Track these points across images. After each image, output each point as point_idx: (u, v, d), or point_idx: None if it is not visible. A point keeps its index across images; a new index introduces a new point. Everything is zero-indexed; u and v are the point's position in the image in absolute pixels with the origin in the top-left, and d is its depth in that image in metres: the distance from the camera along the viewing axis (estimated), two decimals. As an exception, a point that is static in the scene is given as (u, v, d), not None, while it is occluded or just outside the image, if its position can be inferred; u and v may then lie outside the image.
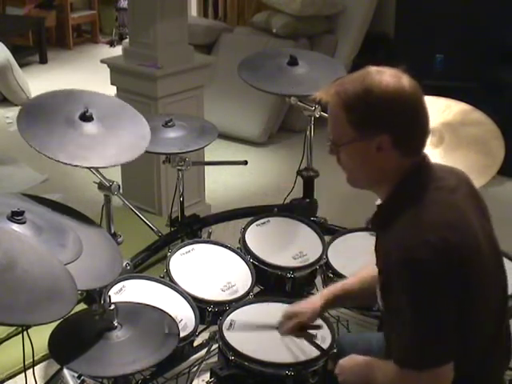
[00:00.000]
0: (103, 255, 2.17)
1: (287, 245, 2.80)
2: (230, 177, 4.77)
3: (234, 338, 2.19)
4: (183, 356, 2.39)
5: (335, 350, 2.15)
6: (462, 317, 1.70)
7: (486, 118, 2.68)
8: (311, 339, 2.15)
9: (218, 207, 4.02)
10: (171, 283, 2.50)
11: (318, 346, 2.14)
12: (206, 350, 2.47)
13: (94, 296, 2.34)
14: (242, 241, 2.76)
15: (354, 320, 2.76)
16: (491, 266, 1.78)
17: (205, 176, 4.21)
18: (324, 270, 2.70)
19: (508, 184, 4.59)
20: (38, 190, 4.15)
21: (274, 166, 5.03)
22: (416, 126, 1.74)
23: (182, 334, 2.22)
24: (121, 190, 2.60)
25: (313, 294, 2.81)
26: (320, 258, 2.71)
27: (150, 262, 3.01)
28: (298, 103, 3.05)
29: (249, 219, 2.89)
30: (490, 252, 1.77)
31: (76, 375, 2.30)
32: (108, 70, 4.04)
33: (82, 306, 2.37)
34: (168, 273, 2.54)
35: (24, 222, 1.98)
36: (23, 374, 2.08)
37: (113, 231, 2.63)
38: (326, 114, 2.90)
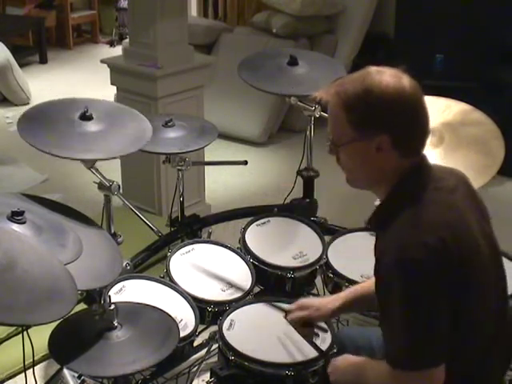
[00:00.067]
0: (103, 255, 2.18)
1: (287, 245, 2.80)
2: (230, 177, 4.77)
3: (234, 338, 2.19)
4: (183, 356, 2.38)
5: (335, 351, 2.15)
6: (461, 317, 1.70)
7: (486, 118, 2.68)
8: (311, 338, 2.15)
9: (217, 207, 4.02)
10: (171, 283, 2.50)
11: (316, 347, 2.13)
12: (206, 350, 2.46)
13: (94, 296, 2.34)
14: (242, 241, 2.76)
15: (353, 320, 2.75)
16: (491, 266, 1.78)
17: (205, 176, 4.21)
18: (324, 270, 2.70)
19: (508, 184, 4.59)
20: (38, 190, 4.15)
21: (274, 166, 5.03)
22: (416, 127, 1.74)
23: (182, 334, 2.22)
24: (121, 190, 2.60)
25: (313, 294, 2.82)
26: (320, 258, 2.71)
27: (150, 261, 3.01)
28: (298, 103, 3.05)
29: (249, 219, 2.89)
30: (489, 252, 1.78)
31: (76, 375, 2.30)
32: (108, 69, 4.04)
33: (82, 306, 2.37)
34: (168, 273, 2.54)
35: (24, 222, 1.98)
36: (23, 374, 2.08)
37: (113, 231, 2.63)
38: (325, 114, 2.90)
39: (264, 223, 2.89)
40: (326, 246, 2.77)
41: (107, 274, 2.10)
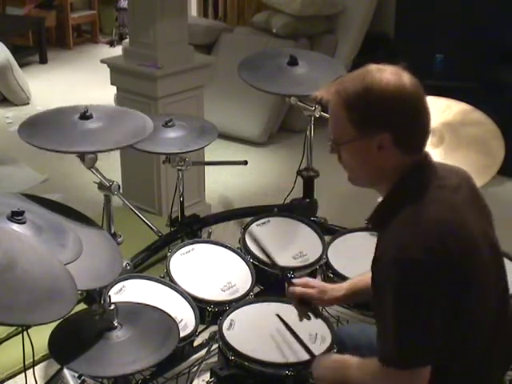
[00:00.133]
0: (103, 255, 2.18)
1: (287, 245, 2.80)
2: (230, 177, 4.77)
3: (234, 338, 2.19)
4: (183, 356, 2.39)
5: (335, 350, 2.15)
6: (461, 317, 1.70)
7: (486, 118, 2.69)
8: (302, 317, 2.14)
9: (218, 207, 4.02)
10: (171, 283, 2.50)
11: (306, 347, 2.13)
12: (206, 350, 2.47)
13: (94, 296, 2.34)
14: (242, 241, 2.76)
15: (353, 320, 2.75)
16: (491, 266, 1.78)
17: (205, 176, 4.21)
18: (324, 270, 2.70)
19: (508, 184, 4.59)
20: (38, 190, 4.15)
21: (274, 166, 5.03)
22: (417, 124, 1.74)
23: (182, 334, 2.22)
24: (121, 190, 2.60)
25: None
26: (320, 258, 2.71)
27: (150, 261, 3.01)
28: (298, 103, 3.05)
29: (249, 219, 2.89)
30: (489, 252, 1.77)
31: (76, 375, 2.30)
32: (108, 69, 4.04)
33: (82, 306, 2.37)
34: (168, 273, 2.54)
35: (24, 222, 1.98)
36: (23, 374, 2.08)
37: (113, 231, 2.63)
38: (326, 114, 2.91)
39: (264, 223, 2.89)
40: (325, 246, 2.77)
41: (107, 274, 2.10)
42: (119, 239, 2.61)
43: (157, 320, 2.20)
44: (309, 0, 5.32)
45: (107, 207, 2.61)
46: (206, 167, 4.20)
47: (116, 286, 2.43)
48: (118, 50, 6.72)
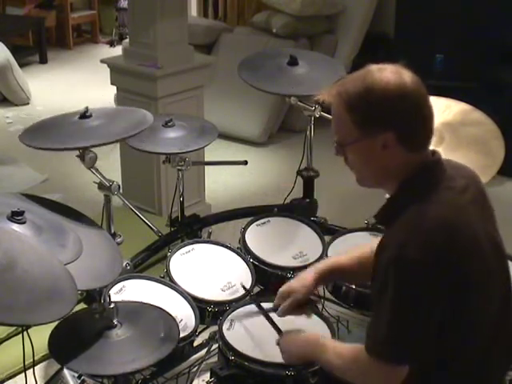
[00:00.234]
0: (103, 255, 2.17)
1: (287, 245, 2.80)
2: (230, 177, 4.77)
3: (233, 338, 2.19)
4: (183, 356, 2.38)
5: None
6: (461, 317, 1.70)
7: (486, 118, 2.69)
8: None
9: (218, 207, 4.02)
10: (171, 283, 2.50)
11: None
12: (206, 350, 2.46)
13: (94, 296, 2.34)
14: (242, 241, 2.76)
15: (354, 320, 2.76)
16: (494, 267, 1.78)
17: (205, 176, 4.21)
18: (324, 270, 2.70)
19: (508, 184, 4.59)
20: (38, 190, 4.15)
21: (274, 166, 5.03)
22: (420, 121, 1.74)
23: (182, 334, 2.22)
24: (121, 190, 2.60)
25: (313, 294, 2.81)
26: (320, 258, 2.71)
27: (150, 261, 3.01)
28: (298, 103, 3.05)
29: (249, 219, 2.89)
30: (492, 253, 1.77)
31: (76, 375, 2.30)
32: (108, 69, 4.04)
33: (82, 306, 2.37)
34: (168, 273, 2.54)
35: (24, 222, 1.98)
36: (23, 374, 2.08)
37: (113, 231, 2.63)
38: (326, 114, 2.91)
39: (264, 223, 2.89)
40: (325, 246, 2.76)
41: (107, 274, 2.10)
42: (119, 239, 2.61)
43: (157, 319, 2.20)
44: (309, 0, 5.32)
45: (107, 207, 2.61)
46: (206, 167, 4.20)
47: (116, 285, 2.43)
48: (118, 50, 6.72)
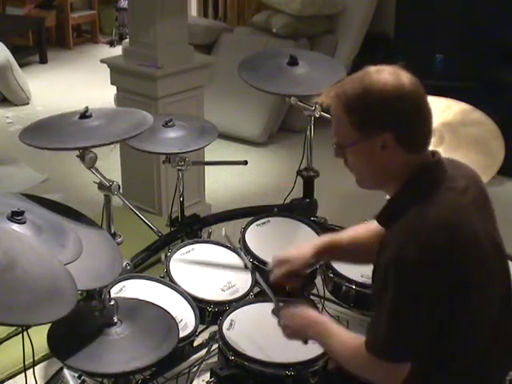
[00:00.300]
0: (103, 255, 2.17)
1: (287, 245, 2.79)
2: (230, 177, 4.77)
3: (233, 338, 2.19)
4: (183, 356, 2.39)
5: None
6: (461, 317, 1.71)
7: (486, 118, 2.69)
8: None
9: (218, 207, 4.02)
10: (171, 283, 2.51)
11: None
12: (206, 350, 2.46)
13: (94, 296, 2.34)
14: (242, 241, 2.76)
15: (354, 320, 2.76)
16: (494, 267, 1.78)
17: (205, 176, 4.21)
18: (324, 270, 2.70)
19: (508, 184, 4.59)
20: (38, 190, 4.15)
21: (274, 166, 5.03)
22: (418, 122, 1.74)
23: (181, 334, 2.22)
24: (121, 190, 2.60)
25: (313, 294, 2.82)
26: (320, 258, 2.71)
27: (150, 261, 3.01)
28: (298, 103, 3.05)
29: (249, 219, 2.90)
30: (493, 254, 1.77)
31: (76, 375, 2.30)
32: (108, 69, 4.05)
33: (82, 306, 2.37)
34: (168, 273, 2.54)
35: (24, 222, 1.98)
36: (23, 374, 2.08)
37: (113, 231, 2.63)
38: (326, 114, 2.91)
39: (264, 223, 2.89)
40: (326, 246, 2.76)
41: (107, 274, 2.10)
42: (119, 239, 2.61)
43: (157, 317, 2.20)
44: (309, 0, 5.32)
45: (107, 207, 2.61)
46: (206, 167, 4.20)
47: (116, 285, 2.43)
48: (118, 50, 6.72)
